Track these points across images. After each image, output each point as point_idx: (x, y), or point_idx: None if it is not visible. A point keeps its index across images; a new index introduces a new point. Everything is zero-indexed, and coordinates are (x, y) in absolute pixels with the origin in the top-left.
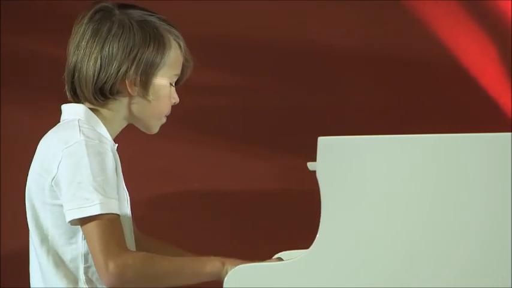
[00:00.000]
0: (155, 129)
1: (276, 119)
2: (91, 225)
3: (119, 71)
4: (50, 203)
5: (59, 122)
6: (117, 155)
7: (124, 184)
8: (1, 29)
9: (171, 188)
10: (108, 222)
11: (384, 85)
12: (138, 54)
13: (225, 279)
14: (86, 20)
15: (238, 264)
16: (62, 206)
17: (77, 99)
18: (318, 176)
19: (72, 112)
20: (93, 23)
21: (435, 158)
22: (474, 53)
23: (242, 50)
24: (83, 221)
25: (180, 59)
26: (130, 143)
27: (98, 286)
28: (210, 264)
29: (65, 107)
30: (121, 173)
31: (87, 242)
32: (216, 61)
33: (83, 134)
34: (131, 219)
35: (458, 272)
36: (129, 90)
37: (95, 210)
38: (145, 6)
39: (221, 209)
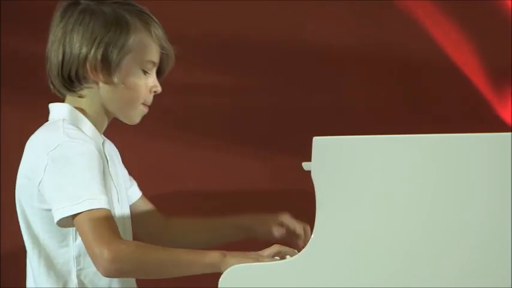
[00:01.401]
0: (135, 119)
1: (271, 119)
2: (82, 221)
3: (79, 55)
4: (38, 207)
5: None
6: (108, 150)
7: (114, 182)
8: (1, 29)
9: (167, 188)
10: (99, 215)
11: (380, 85)
12: (98, 38)
13: (220, 279)
14: (57, 13)
15: (239, 256)
16: (50, 210)
17: (55, 90)
18: (313, 176)
19: (57, 112)
20: (59, 13)
21: (434, 158)
22: (472, 53)
23: (238, 49)
24: (73, 219)
25: (152, 45)
26: (125, 143)
27: (90, 287)
28: (211, 255)
29: (51, 107)
30: (112, 170)
31: (81, 238)
32: (212, 61)
33: (66, 135)
34: (127, 217)
35: (458, 272)
36: (91, 75)
37: (83, 207)
38: (143, 6)
39: (217, 209)
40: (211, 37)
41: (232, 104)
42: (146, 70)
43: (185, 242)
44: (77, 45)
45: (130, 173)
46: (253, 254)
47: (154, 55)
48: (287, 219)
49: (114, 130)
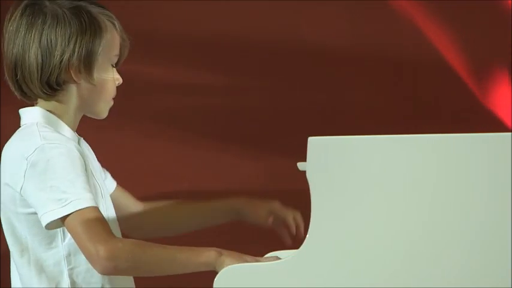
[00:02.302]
0: (104, 113)
1: (267, 119)
2: (73, 222)
3: (61, 61)
4: (23, 212)
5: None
6: (85, 148)
7: (95, 178)
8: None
9: (161, 187)
10: (89, 215)
11: (375, 85)
12: (78, 41)
13: (215, 279)
14: (17, 17)
15: (235, 257)
16: (35, 213)
17: (27, 97)
18: (308, 176)
19: (30, 116)
20: (25, 17)
21: (434, 158)
22: (466, 52)
23: (232, 50)
24: (63, 221)
25: (117, 39)
26: (120, 143)
27: (83, 286)
28: (206, 254)
29: (22, 112)
30: (92, 167)
31: (74, 239)
32: (207, 61)
33: (43, 138)
34: (112, 210)
35: (458, 272)
36: (74, 78)
37: (72, 208)
38: (135, 5)
39: None
40: (207, 37)
41: (228, 104)
42: (113, 64)
43: (170, 228)
44: (58, 50)
45: (124, 173)
46: (249, 257)
47: (118, 48)
48: (277, 207)
49: (110, 130)
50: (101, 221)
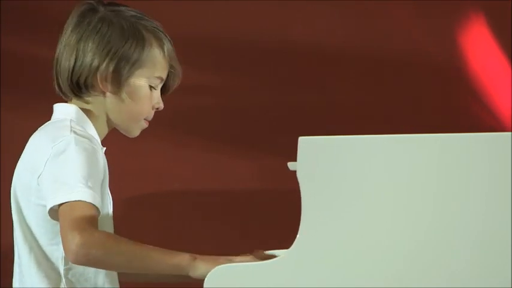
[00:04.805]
0: (134, 132)
1: (259, 119)
2: (66, 209)
3: (91, 65)
4: (34, 202)
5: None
6: (105, 158)
7: (108, 188)
8: (1, 29)
9: (152, 188)
10: (84, 207)
11: (367, 85)
12: (112, 50)
13: (206, 279)
14: (72, 16)
15: (209, 261)
16: (45, 206)
17: (62, 93)
18: (299, 176)
19: (64, 112)
20: (77, 17)
21: (432, 158)
22: (459, 51)
23: (226, 50)
24: (60, 206)
25: (163, 63)
26: (112, 142)
27: (78, 286)
28: (180, 257)
29: (56, 107)
30: (107, 177)
31: (60, 225)
32: (200, 61)
33: (73, 132)
34: (112, 223)
35: (457, 272)
36: (100, 85)
37: (74, 197)
38: (133, 6)
39: (203, 209)
40: (200, 37)
41: (220, 103)
42: (153, 86)
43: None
44: (91, 54)
45: (116, 172)
46: (224, 258)
47: (163, 72)
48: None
49: None
50: (91, 216)
